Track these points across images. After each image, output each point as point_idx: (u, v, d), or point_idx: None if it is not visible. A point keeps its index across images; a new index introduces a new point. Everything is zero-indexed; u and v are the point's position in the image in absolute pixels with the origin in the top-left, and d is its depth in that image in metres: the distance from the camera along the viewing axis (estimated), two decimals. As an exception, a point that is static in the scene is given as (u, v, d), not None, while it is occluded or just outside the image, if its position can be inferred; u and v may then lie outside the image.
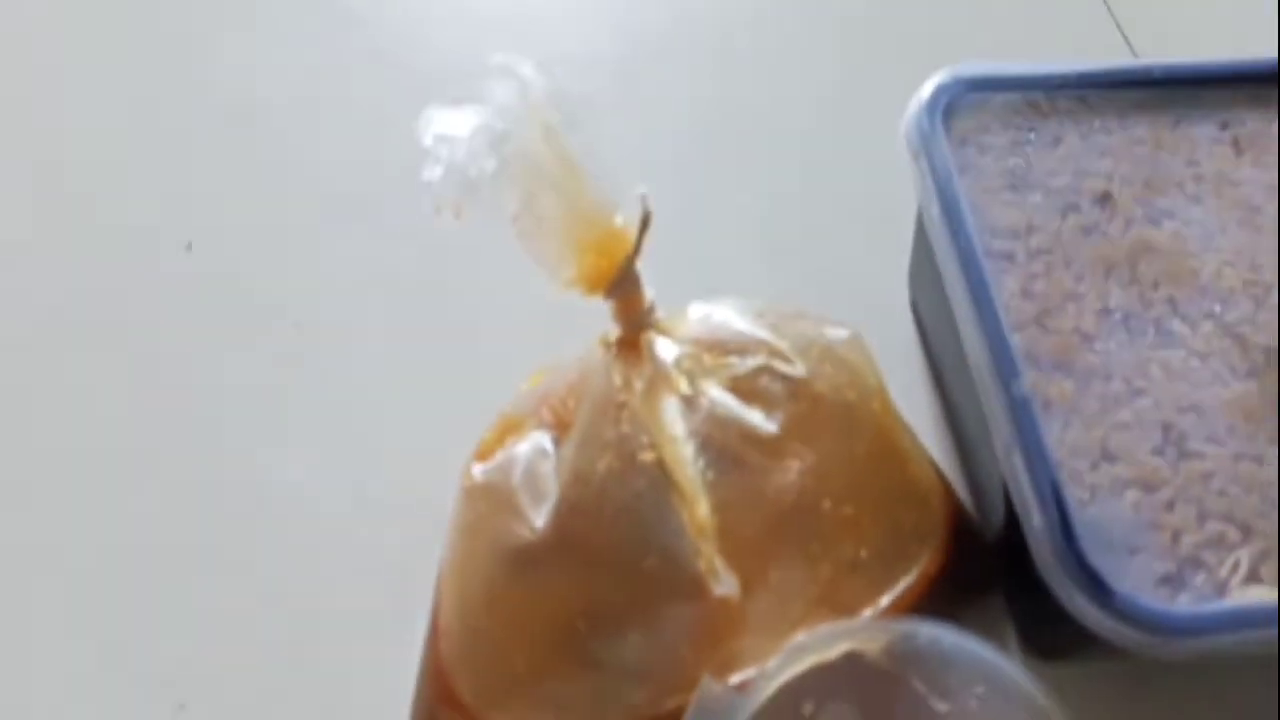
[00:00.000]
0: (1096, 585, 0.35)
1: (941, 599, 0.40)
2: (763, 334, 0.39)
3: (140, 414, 0.47)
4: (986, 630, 0.41)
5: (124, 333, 0.49)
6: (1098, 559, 0.36)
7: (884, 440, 0.40)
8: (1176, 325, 0.41)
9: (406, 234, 0.51)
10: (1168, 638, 0.35)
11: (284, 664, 0.42)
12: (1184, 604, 0.35)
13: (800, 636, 0.38)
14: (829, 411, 0.38)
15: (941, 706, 0.37)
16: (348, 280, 0.51)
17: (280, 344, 0.49)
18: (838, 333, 0.41)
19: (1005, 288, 0.41)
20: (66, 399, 0.47)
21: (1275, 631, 0.35)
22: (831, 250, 0.53)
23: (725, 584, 0.35)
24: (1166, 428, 0.39)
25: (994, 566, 0.43)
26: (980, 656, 0.38)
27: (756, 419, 0.37)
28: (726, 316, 0.40)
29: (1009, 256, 0.42)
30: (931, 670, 0.38)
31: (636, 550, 0.36)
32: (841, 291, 0.49)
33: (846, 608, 0.39)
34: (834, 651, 0.38)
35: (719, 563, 0.36)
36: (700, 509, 0.37)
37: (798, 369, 0.38)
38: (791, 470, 0.37)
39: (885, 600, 0.39)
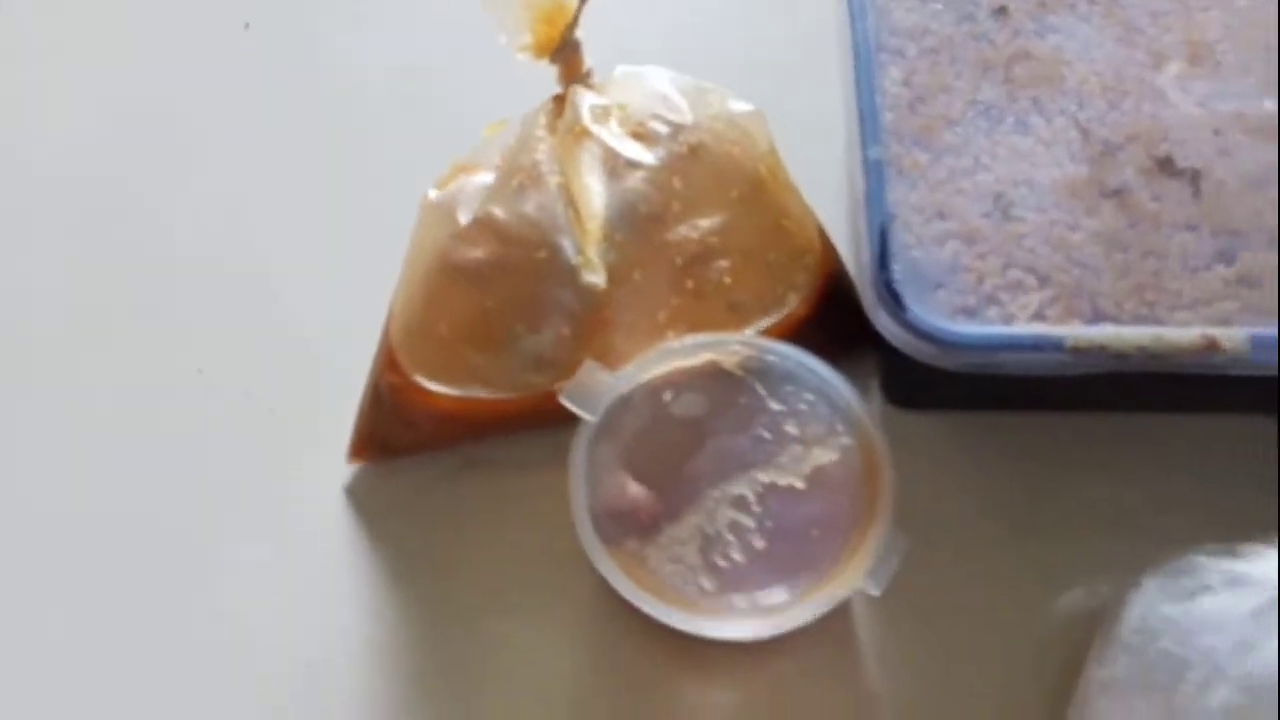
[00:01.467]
0: (896, 304, 0.43)
1: (810, 342, 0.47)
2: (671, 93, 0.47)
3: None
4: (857, 379, 0.49)
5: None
6: (906, 287, 0.43)
7: (764, 195, 0.48)
8: (1033, 119, 0.47)
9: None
10: (945, 350, 0.42)
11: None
12: (972, 328, 0.42)
13: (671, 342, 0.47)
14: (710, 159, 0.46)
15: (775, 405, 0.46)
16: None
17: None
18: (741, 105, 0.49)
19: (889, 75, 0.48)
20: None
21: (1040, 355, 0.42)
22: (765, 39, 0.59)
23: (595, 275, 0.44)
24: (998, 196, 0.45)
25: (866, 321, 0.51)
26: (817, 373, 0.46)
27: (635, 150, 0.45)
28: (647, 79, 0.48)
29: (900, 51, 0.49)
30: (773, 380, 0.46)
31: (532, 244, 0.45)
32: (771, 74, 0.55)
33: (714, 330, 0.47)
34: (697, 359, 0.47)
35: (595, 260, 0.44)
36: (592, 224, 0.45)
37: (685, 117, 0.46)
38: (671, 203, 0.46)
39: (750, 331, 0.48)
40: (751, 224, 0.47)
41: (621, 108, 0.47)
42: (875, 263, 0.43)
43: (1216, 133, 0.46)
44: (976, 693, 0.45)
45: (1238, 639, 0.37)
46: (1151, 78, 0.48)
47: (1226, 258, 0.44)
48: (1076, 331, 0.42)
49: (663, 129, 0.46)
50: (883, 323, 0.43)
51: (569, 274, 0.45)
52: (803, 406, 0.46)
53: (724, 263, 0.46)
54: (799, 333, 0.48)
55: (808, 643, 0.46)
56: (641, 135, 0.46)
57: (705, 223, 0.46)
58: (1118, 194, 0.45)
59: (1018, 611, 0.45)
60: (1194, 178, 0.45)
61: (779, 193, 0.48)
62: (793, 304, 0.49)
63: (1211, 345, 0.41)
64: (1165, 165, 0.46)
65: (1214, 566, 0.39)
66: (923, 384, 0.50)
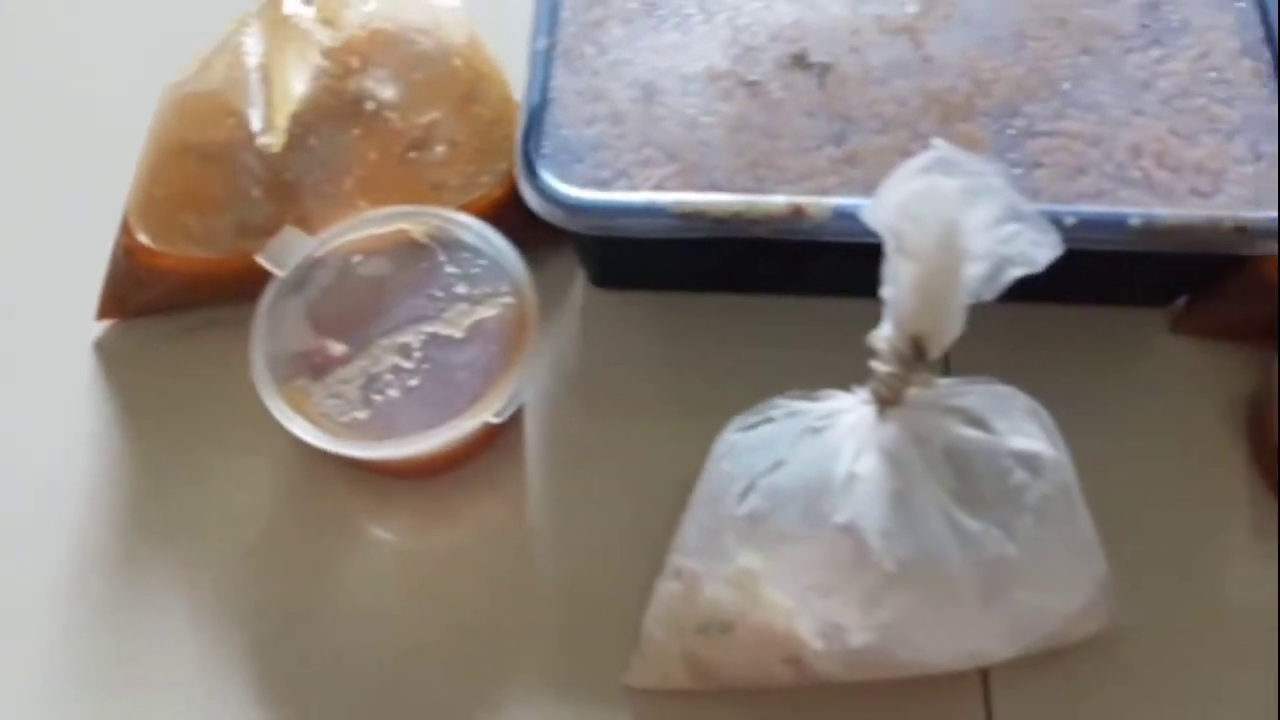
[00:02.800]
0: (530, 173, 0.48)
1: (509, 222, 0.53)
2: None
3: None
4: (566, 266, 0.55)
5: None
6: (548, 161, 0.49)
7: (457, 83, 0.54)
8: (696, 19, 0.53)
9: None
10: (571, 214, 0.48)
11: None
12: (591, 194, 0.48)
13: (369, 213, 0.53)
14: (391, 43, 0.52)
15: (451, 269, 0.51)
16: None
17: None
18: (448, 3, 0.54)
19: (577, -21, 0.54)
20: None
21: (649, 219, 0.47)
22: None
23: (269, 138, 0.50)
24: (648, 85, 0.51)
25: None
26: (494, 244, 0.52)
27: (323, 34, 0.51)
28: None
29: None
30: (455, 248, 0.52)
31: (224, 114, 0.51)
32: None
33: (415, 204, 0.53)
34: (388, 227, 0.52)
35: (279, 127, 0.50)
36: (282, 99, 0.51)
37: (369, 4, 0.52)
38: (347, 81, 0.51)
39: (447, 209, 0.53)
40: (449, 111, 0.53)
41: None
42: (522, 138, 0.49)
43: (854, 32, 0.51)
44: (620, 527, 0.51)
45: (774, 458, 0.43)
46: (809, -18, 0.53)
47: (837, 140, 0.49)
48: (679, 198, 0.47)
49: (350, 15, 0.51)
50: (523, 190, 0.48)
51: (250, 139, 0.50)
52: (476, 271, 0.51)
53: (432, 145, 0.52)
54: (497, 213, 0.54)
55: (483, 486, 0.52)
56: (330, 20, 0.51)
57: (401, 104, 0.52)
58: (752, 84, 0.50)
59: (670, 459, 0.50)
60: (823, 71, 0.50)
61: (477, 82, 0.54)
62: (488, 186, 0.54)
63: (798, 212, 0.47)
64: (799, 60, 0.51)
65: (786, 405, 0.45)
66: (607, 265, 0.56)
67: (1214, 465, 0.52)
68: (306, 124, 0.51)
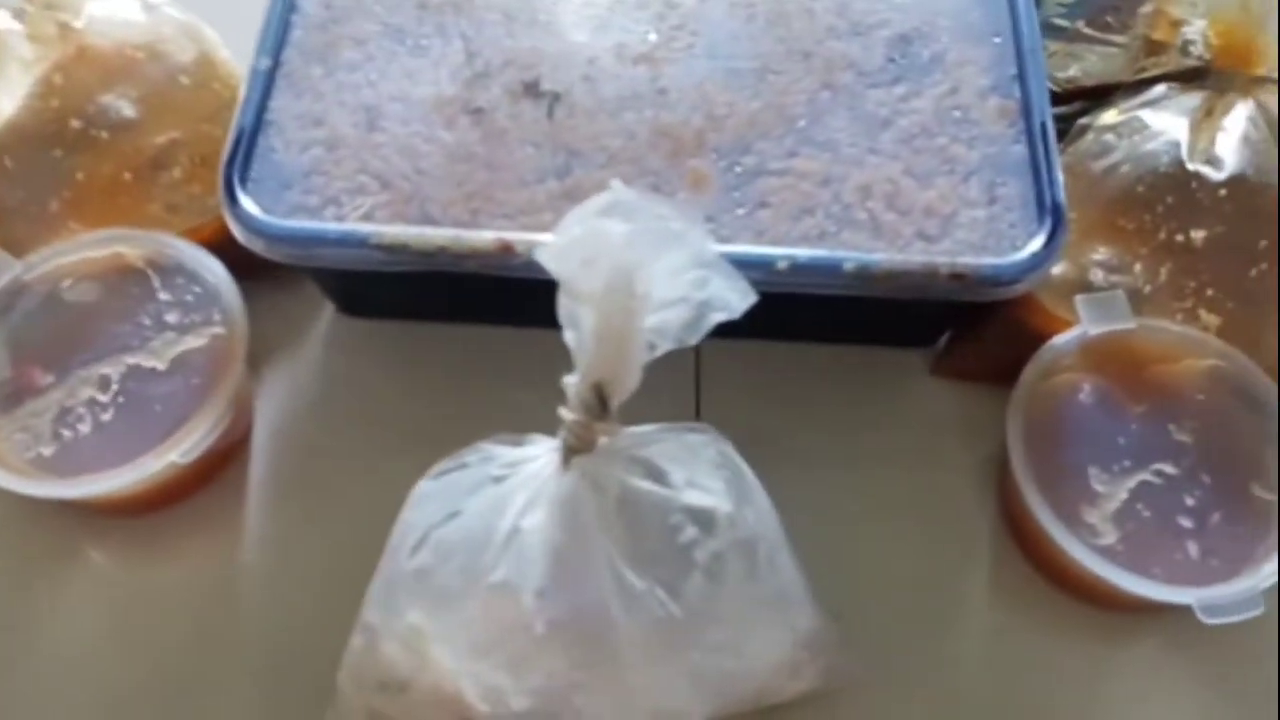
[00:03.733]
0: (230, 199, 0.46)
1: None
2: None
3: None
4: (317, 292, 0.52)
5: None
6: (254, 187, 0.46)
7: (191, 100, 0.51)
8: (433, 41, 0.50)
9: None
10: (270, 243, 0.45)
11: None
12: (290, 223, 0.45)
13: (85, 235, 0.50)
14: (101, 60, 0.50)
15: (164, 296, 0.49)
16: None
17: None
18: (174, 14, 0.52)
19: (313, -3, 0.51)
20: None
21: (350, 250, 0.45)
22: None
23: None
24: (371, 109, 0.49)
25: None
26: (212, 270, 0.49)
27: (30, 51, 0.49)
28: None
29: (329, -25, 0.52)
30: (171, 274, 0.50)
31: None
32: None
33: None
34: (104, 251, 0.50)
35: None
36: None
37: (78, 20, 0.49)
38: (50, 100, 0.49)
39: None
40: (185, 131, 0.50)
41: (49, 6, 0.50)
42: (225, 162, 0.46)
43: (591, 61, 0.49)
44: (332, 572, 0.48)
45: (450, 509, 0.40)
46: (554, 9, 0.51)
47: (560, 174, 0.47)
48: (380, 229, 0.45)
49: (61, 32, 0.49)
50: (226, 217, 0.46)
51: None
52: (189, 298, 0.49)
53: (169, 166, 0.50)
54: (228, 235, 0.51)
55: (200, 524, 0.50)
56: (38, 37, 0.49)
57: (118, 123, 0.49)
58: (478, 112, 0.48)
59: (393, 499, 0.48)
60: (553, 100, 0.48)
61: (213, 103, 0.52)
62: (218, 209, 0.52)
63: (506, 249, 0.45)
64: (530, 88, 0.49)
65: (486, 450, 0.43)
66: (347, 293, 0.53)
67: (961, 517, 0.51)
68: (2, 145, 0.48)
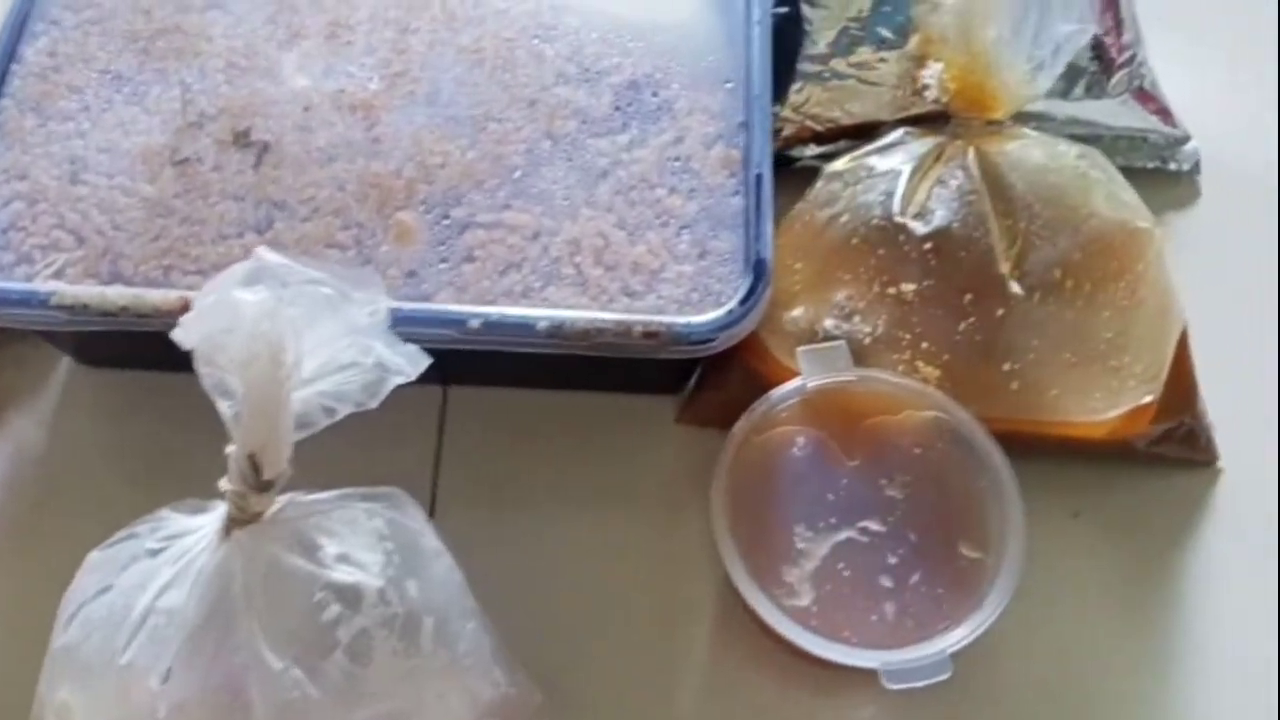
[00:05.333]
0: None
1: None
2: None
3: None
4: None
5: None
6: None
7: None
8: (153, 89, 0.50)
9: None
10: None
11: None
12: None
13: None
14: None
15: None
16: None
17: None
18: None
19: (36, 45, 0.50)
20: None
21: (33, 310, 0.44)
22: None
23: None
24: (75, 160, 0.47)
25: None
26: None
27: None
28: None
29: (57, 21, 0.51)
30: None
31: None
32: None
33: None
34: None
35: None
36: None
37: None
38: None
39: None
40: None
41: None
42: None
43: (307, 109, 0.49)
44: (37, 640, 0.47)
45: (104, 582, 0.40)
46: (278, 55, 0.50)
47: (260, 227, 0.46)
48: (63, 289, 0.44)
49: None
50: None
51: None
52: None
53: None
54: None
55: None
56: None
57: None
58: (184, 163, 0.47)
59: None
60: (262, 150, 0.48)
61: None
62: None
63: (188, 308, 0.44)
64: (241, 138, 0.48)
65: (162, 518, 0.42)
66: (78, 346, 0.52)
67: (692, 567, 0.50)
68: None
